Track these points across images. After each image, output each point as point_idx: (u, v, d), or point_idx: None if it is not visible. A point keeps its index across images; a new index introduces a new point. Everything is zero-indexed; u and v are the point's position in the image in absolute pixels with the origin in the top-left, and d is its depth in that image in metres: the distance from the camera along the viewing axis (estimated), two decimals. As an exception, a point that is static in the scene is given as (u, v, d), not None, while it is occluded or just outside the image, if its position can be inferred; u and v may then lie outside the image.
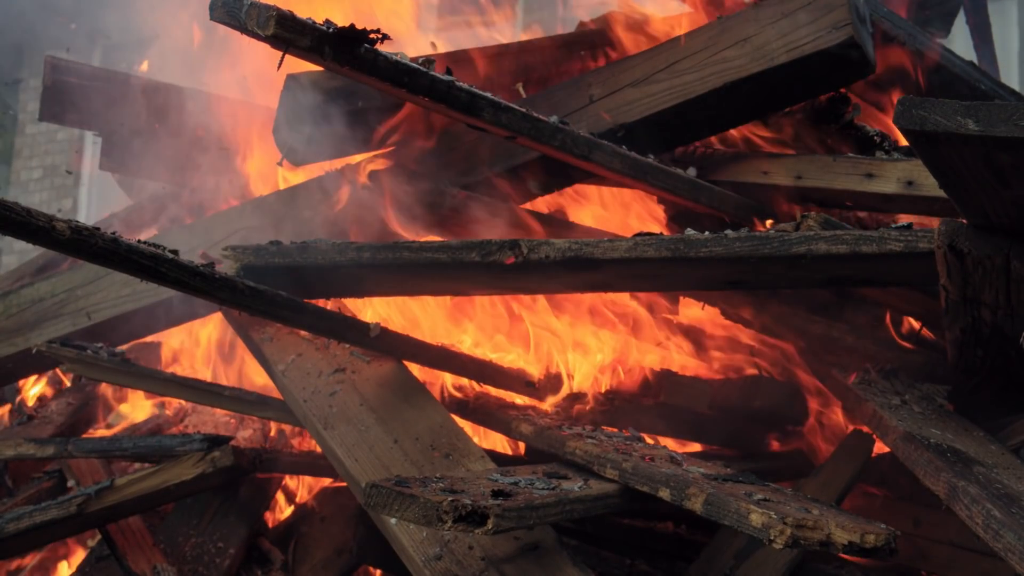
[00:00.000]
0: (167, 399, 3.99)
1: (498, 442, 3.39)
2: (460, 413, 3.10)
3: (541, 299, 3.44)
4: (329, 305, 3.23)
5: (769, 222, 3.34)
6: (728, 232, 2.54)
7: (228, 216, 3.62)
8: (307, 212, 3.49)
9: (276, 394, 3.25)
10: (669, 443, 3.21)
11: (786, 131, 3.65)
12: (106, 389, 4.12)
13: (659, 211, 3.59)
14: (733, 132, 3.67)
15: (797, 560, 2.85)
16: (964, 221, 2.30)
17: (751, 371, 3.42)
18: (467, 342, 3.47)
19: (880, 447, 2.97)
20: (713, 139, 3.70)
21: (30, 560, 3.61)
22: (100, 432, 4.03)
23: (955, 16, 5.56)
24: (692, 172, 3.40)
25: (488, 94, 2.94)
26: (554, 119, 3.10)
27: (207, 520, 3.33)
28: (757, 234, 2.54)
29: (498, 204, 3.42)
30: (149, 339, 3.92)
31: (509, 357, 3.44)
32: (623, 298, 3.42)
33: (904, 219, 3.27)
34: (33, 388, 4.24)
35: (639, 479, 2.37)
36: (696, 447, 3.44)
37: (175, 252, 2.44)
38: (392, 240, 3.19)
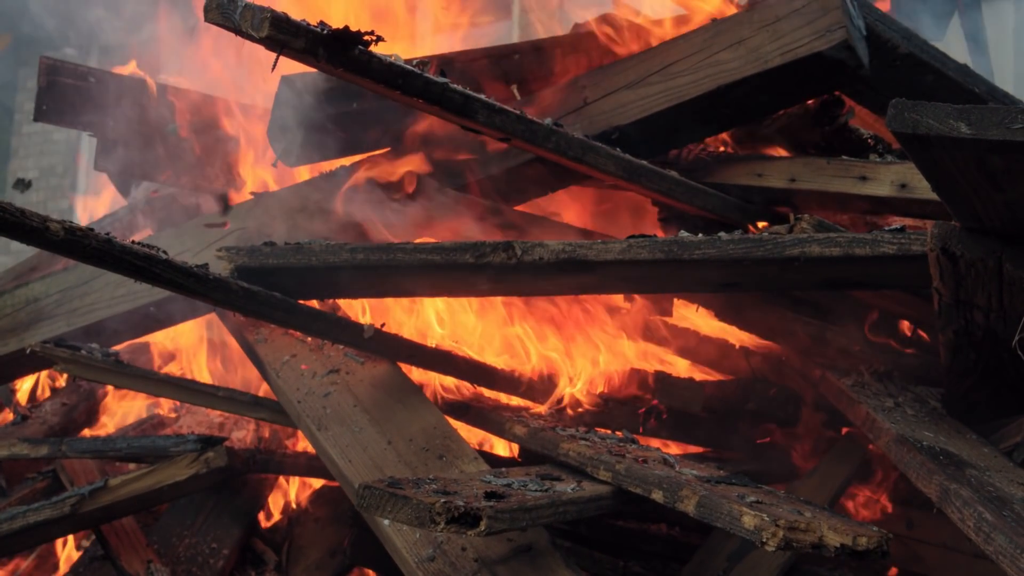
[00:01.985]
0: (161, 399, 3.99)
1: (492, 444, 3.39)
2: (454, 414, 3.10)
3: (534, 300, 3.44)
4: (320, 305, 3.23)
5: (762, 224, 3.34)
6: (722, 234, 2.54)
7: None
8: (302, 213, 3.49)
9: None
10: (662, 445, 3.21)
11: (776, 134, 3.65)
12: (101, 389, 4.11)
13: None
14: (724, 135, 3.68)
15: (790, 562, 2.86)
16: (957, 224, 2.30)
17: (745, 373, 3.42)
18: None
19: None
20: (707, 141, 3.70)
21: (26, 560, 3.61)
22: (94, 432, 4.03)
23: (949, 19, 5.57)
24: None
25: (482, 96, 2.94)
26: (548, 121, 3.10)
27: (201, 520, 3.34)
28: (751, 236, 2.54)
29: (492, 205, 3.42)
30: (144, 339, 3.91)
31: (504, 358, 3.44)
32: (617, 300, 3.42)
33: (897, 222, 3.28)
34: (27, 388, 4.23)
35: (632, 481, 2.37)
36: (689, 449, 3.44)
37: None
38: (386, 241, 3.19)
